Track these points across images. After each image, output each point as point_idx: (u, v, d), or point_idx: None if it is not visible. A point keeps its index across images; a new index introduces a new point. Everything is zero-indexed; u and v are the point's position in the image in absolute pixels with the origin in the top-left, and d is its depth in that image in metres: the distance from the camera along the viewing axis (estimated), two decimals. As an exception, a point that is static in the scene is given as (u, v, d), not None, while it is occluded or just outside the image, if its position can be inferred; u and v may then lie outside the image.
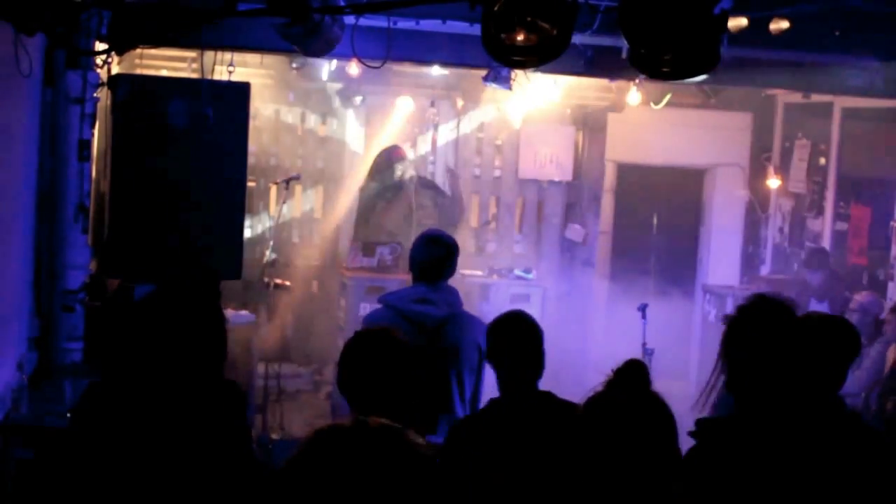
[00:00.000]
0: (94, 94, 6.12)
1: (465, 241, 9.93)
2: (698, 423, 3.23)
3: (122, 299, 6.04)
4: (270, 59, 8.63)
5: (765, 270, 10.49)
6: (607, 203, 10.75)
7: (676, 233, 10.90)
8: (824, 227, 9.60)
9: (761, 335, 3.14)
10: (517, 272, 9.31)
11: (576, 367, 8.09)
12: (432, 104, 9.91)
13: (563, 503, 2.59)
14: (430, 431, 4.51)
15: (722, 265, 10.81)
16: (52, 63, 5.76)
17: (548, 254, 10.40)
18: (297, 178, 8.65)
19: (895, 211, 8.57)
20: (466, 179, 10.36)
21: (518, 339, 3.82)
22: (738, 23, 5.82)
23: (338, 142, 10.18)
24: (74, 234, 5.98)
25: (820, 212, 9.69)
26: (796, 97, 9.95)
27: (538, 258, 10.22)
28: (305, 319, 9.54)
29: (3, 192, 5.19)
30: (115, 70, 6.64)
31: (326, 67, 8.64)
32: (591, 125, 10.37)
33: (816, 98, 9.50)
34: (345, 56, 6.32)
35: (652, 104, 9.19)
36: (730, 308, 8.37)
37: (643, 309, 7.55)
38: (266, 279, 8.16)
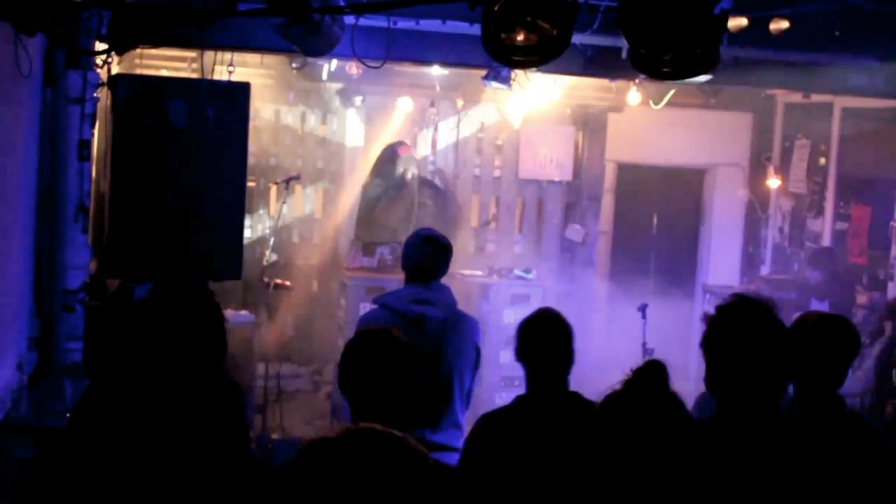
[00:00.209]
0: (94, 94, 6.12)
1: (465, 241, 9.93)
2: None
3: (122, 299, 6.04)
4: (270, 59, 8.63)
5: (765, 270, 10.49)
6: (607, 203, 10.75)
7: (676, 233, 10.90)
8: (824, 227, 9.60)
9: (740, 334, 3.14)
10: (517, 272, 9.30)
11: (576, 366, 8.08)
12: (432, 104, 9.91)
13: (578, 501, 2.59)
14: (431, 430, 4.52)
15: (722, 265, 10.81)
16: (52, 63, 5.76)
17: (548, 254, 10.40)
18: (297, 178, 8.65)
19: (895, 211, 8.57)
20: (466, 179, 10.35)
21: (550, 337, 3.78)
22: (738, 23, 5.82)
23: (338, 142, 10.18)
24: (74, 234, 5.98)
25: (820, 212, 9.69)
26: (796, 97, 9.95)
27: (538, 258, 10.22)
28: (305, 319, 9.54)
29: (3, 192, 5.19)
30: (115, 70, 6.64)
31: (326, 67, 8.64)
32: (591, 125, 10.37)
33: (816, 98, 9.50)
34: (345, 56, 6.32)
35: (652, 104, 9.19)
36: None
37: (643, 309, 7.55)
38: (266, 279, 8.16)
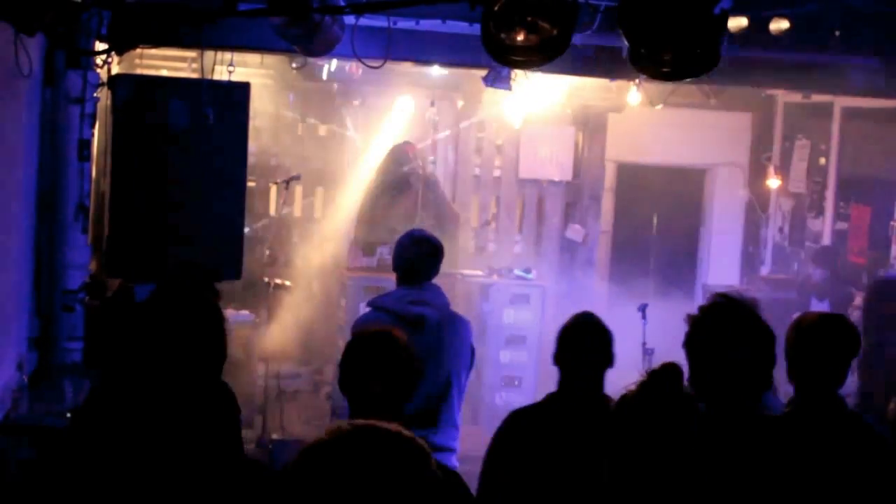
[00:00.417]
0: (94, 94, 6.12)
1: (465, 241, 9.93)
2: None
3: (122, 299, 6.04)
4: (270, 59, 8.63)
5: (765, 270, 10.49)
6: (607, 203, 10.75)
7: (676, 233, 10.90)
8: (824, 227, 9.60)
9: (723, 334, 3.14)
10: (517, 272, 9.30)
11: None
12: (432, 104, 9.90)
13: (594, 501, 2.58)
14: (430, 430, 4.52)
15: (722, 265, 10.81)
16: (52, 63, 5.76)
17: (548, 254, 10.40)
18: (297, 178, 8.65)
19: (895, 211, 8.57)
20: (466, 179, 10.35)
21: (586, 341, 3.72)
22: (738, 23, 5.82)
23: (338, 142, 10.17)
24: (74, 234, 5.98)
25: (820, 212, 9.69)
26: (796, 97, 9.95)
27: (538, 258, 10.21)
28: (305, 319, 9.53)
29: (3, 192, 5.19)
30: (115, 70, 6.64)
31: (326, 67, 8.64)
32: (591, 125, 10.37)
33: (816, 98, 9.50)
34: (345, 56, 6.33)
35: (652, 104, 9.19)
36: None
37: (643, 309, 7.55)
38: (266, 279, 8.16)
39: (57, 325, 5.87)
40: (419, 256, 4.77)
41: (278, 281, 8.27)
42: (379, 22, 5.68)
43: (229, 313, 7.84)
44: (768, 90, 9.91)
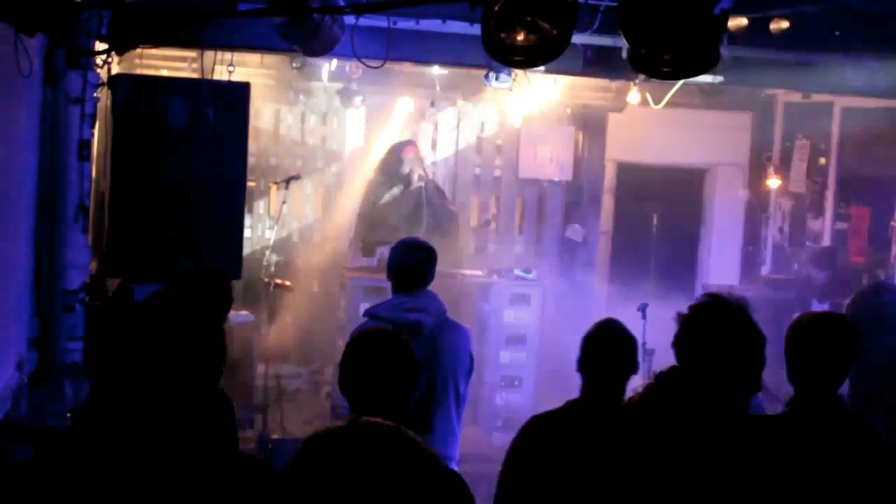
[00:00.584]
0: (94, 94, 6.12)
1: (465, 241, 9.93)
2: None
3: (122, 299, 6.04)
4: (270, 59, 8.62)
5: (765, 270, 10.49)
6: (607, 203, 10.75)
7: (676, 233, 10.90)
8: (824, 227, 9.60)
9: (710, 334, 3.13)
10: (517, 272, 9.30)
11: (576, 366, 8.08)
12: (432, 104, 9.90)
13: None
14: (429, 438, 4.51)
15: (722, 265, 10.81)
16: (52, 63, 5.76)
17: (548, 254, 10.40)
18: (297, 178, 8.65)
19: (895, 211, 8.57)
20: (466, 179, 10.35)
21: (609, 350, 3.69)
22: (738, 23, 5.82)
23: (338, 142, 10.17)
24: (74, 234, 5.98)
25: (820, 212, 9.69)
26: (796, 97, 9.95)
27: (538, 258, 10.22)
28: (305, 319, 9.54)
29: (3, 192, 5.19)
30: (115, 70, 6.65)
31: (326, 67, 8.64)
32: (591, 125, 10.37)
33: (816, 98, 9.50)
34: (345, 56, 6.33)
35: (652, 104, 9.19)
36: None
37: (643, 309, 7.54)
38: (266, 279, 8.16)
39: (57, 325, 5.87)
40: (413, 263, 4.76)
41: (278, 281, 8.27)
42: (379, 22, 5.68)
43: (229, 313, 7.84)
44: (768, 90, 9.91)
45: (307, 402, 9.32)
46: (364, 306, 8.52)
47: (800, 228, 10.04)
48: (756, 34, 6.01)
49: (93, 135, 6.31)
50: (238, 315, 7.95)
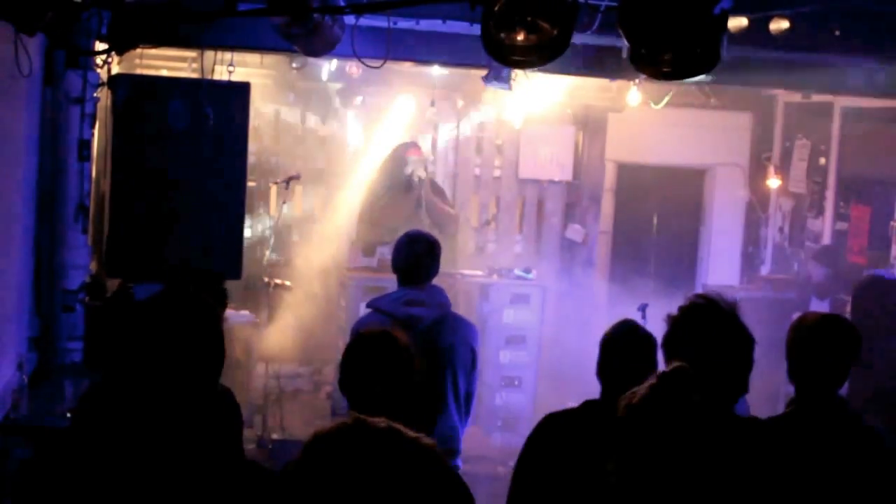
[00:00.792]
0: (94, 94, 6.12)
1: (465, 241, 9.93)
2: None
3: (122, 299, 6.04)
4: (270, 59, 8.62)
5: (765, 270, 10.49)
6: (607, 203, 10.75)
7: (676, 233, 10.90)
8: (824, 227, 9.60)
9: (699, 335, 3.13)
10: (517, 272, 9.30)
11: (576, 367, 8.08)
12: (432, 104, 9.90)
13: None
14: (427, 432, 4.50)
15: (722, 265, 10.81)
16: (52, 63, 5.76)
17: (548, 254, 10.40)
18: (297, 178, 8.65)
19: (895, 211, 8.57)
20: (466, 179, 10.36)
21: (633, 354, 3.65)
22: (738, 23, 5.82)
23: (338, 142, 10.17)
24: (74, 234, 5.98)
25: (820, 212, 9.69)
26: (796, 97, 9.95)
27: (538, 258, 10.22)
28: (305, 319, 9.54)
29: (3, 192, 5.19)
30: (115, 70, 6.64)
31: (326, 67, 8.64)
32: (591, 125, 10.37)
33: (816, 98, 9.50)
34: (345, 56, 6.32)
35: (652, 104, 9.19)
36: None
37: (643, 309, 7.53)
38: (266, 279, 8.16)
39: (57, 325, 5.87)
40: (416, 255, 4.77)
41: (278, 281, 8.27)
42: (379, 22, 5.68)
43: (229, 313, 7.84)
44: (768, 90, 9.90)
45: (307, 402, 9.32)
46: (364, 306, 8.57)
47: (800, 228, 10.04)
48: (756, 34, 6.01)
49: (93, 135, 6.31)
50: (238, 315, 7.96)
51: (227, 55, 6.84)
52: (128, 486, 3.16)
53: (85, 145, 5.97)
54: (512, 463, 3.63)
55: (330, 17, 5.29)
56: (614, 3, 4.71)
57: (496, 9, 4.22)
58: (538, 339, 8.96)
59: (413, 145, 9.61)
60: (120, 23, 5.79)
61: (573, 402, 3.70)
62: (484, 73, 7.27)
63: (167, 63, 8.44)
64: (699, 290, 10.52)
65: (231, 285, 7.36)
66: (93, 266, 6.35)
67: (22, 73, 4.87)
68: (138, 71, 7.90)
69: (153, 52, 7.50)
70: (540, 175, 10.35)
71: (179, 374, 3.26)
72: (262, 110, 9.61)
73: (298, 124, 10.03)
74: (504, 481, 3.54)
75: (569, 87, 9.03)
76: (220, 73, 6.57)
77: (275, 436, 7.76)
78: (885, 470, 3.29)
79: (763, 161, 10.56)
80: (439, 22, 6.24)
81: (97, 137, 6.59)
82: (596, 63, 7.00)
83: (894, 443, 3.44)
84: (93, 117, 6.17)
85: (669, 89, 8.92)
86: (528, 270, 9.36)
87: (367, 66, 5.65)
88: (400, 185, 9.44)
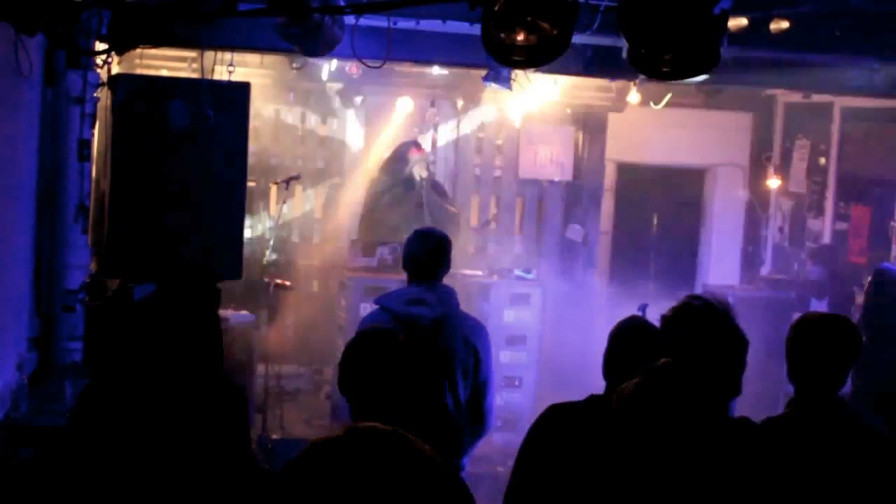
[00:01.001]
0: (94, 94, 6.12)
1: (465, 241, 9.92)
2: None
3: (122, 299, 6.04)
4: (270, 59, 8.62)
5: (765, 270, 10.49)
6: (607, 203, 10.75)
7: (676, 233, 10.90)
8: (824, 227, 9.61)
9: (692, 336, 3.12)
10: (517, 272, 9.30)
11: (576, 367, 8.09)
12: (432, 104, 9.90)
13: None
14: (426, 435, 4.47)
15: (722, 265, 10.81)
16: (52, 63, 5.75)
17: (548, 254, 10.40)
18: (297, 178, 8.65)
19: (895, 211, 8.57)
20: (466, 179, 10.36)
21: (639, 350, 3.61)
22: (738, 23, 5.82)
23: (338, 142, 10.17)
24: (74, 234, 5.97)
25: (820, 212, 9.69)
26: (796, 97, 9.95)
27: (538, 258, 10.22)
28: (305, 319, 9.54)
29: (3, 192, 5.19)
30: (115, 70, 6.64)
31: (326, 67, 8.64)
32: (591, 125, 10.37)
33: (816, 98, 9.50)
34: (345, 56, 6.32)
35: (652, 104, 9.19)
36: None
37: (643, 309, 7.52)
38: (266, 279, 8.16)
39: (57, 325, 5.87)
40: (424, 252, 4.76)
41: (279, 281, 8.27)
42: (379, 22, 5.68)
43: (229, 313, 7.85)
44: (768, 90, 9.91)
45: (307, 402, 9.32)
46: (364, 306, 8.57)
47: (800, 228, 10.05)
48: (756, 34, 6.01)
49: (93, 135, 6.31)
50: (238, 315, 7.95)
51: (227, 55, 6.84)
52: (128, 485, 3.16)
53: (85, 145, 5.96)
54: (511, 463, 3.62)
55: (330, 17, 5.29)
56: (614, 3, 4.71)
57: (496, 9, 4.22)
58: (538, 339, 8.96)
59: (415, 144, 9.61)
60: (120, 23, 5.79)
61: (574, 402, 3.70)
62: (484, 73, 7.27)
63: (167, 63, 8.43)
64: (699, 291, 10.53)
65: (231, 285, 7.39)
66: (93, 266, 6.35)
67: (22, 73, 4.88)
68: (138, 71, 7.90)
69: (153, 52, 7.50)
70: (540, 175, 10.35)
71: (178, 365, 3.26)
72: (262, 110, 9.61)
73: (298, 124, 10.03)
74: (504, 481, 3.53)
75: (569, 87, 9.02)
76: (220, 73, 6.57)
77: (275, 436, 7.76)
78: (885, 470, 3.29)
79: (763, 161, 10.56)
80: (439, 22, 6.24)
81: (97, 137, 6.59)
82: (596, 63, 7.00)
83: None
84: (93, 117, 6.17)
85: (669, 89, 8.92)
86: (528, 270, 9.35)
87: (367, 66, 5.65)
88: (401, 183, 9.44)
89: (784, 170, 10.24)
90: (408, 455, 1.58)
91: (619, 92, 9.13)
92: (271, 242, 8.45)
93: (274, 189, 9.12)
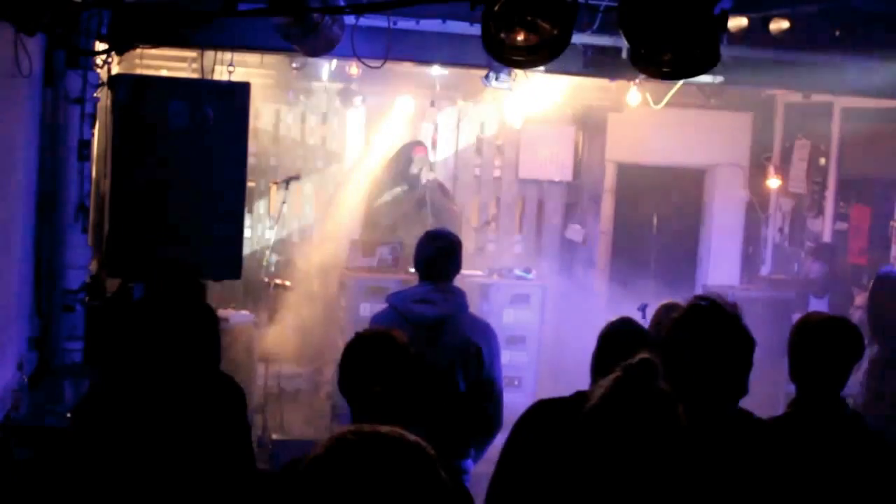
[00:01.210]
0: (94, 94, 6.12)
1: (465, 241, 9.91)
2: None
3: (122, 299, 6.04)
4: (270, 59, 8.62)
5: (765, 270, 10.49)
6: (607, 203, 10.75)
7: (676, 233, 10.90)
8: (824, 227, 9.60)
9: (700, 337, 3.12)
10: (517, 272, 9.30)
11: (576, 367, 8.08)
12: (432, 104, 9.90)
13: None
14: (427, 437, 4.46)
15: (722, 265, 10.81)
16: (52, 63, 5.75)
17: (548, 254, 10.40)
18: (297, 178, 8.65)
19: (895, 211, 8.57)
20: (466, 180, 10.35)
21: (629, 350, 3.62)
22: (738, 23, 5.82)
23: (338, 142, 10.17)
24: (74, 234, 5.97)
25: (820, 212, 9.69)
26: (796, 97, 9.95)
27: (538, 258, 10.22)
28: (305, 319, 9.54)
29: (3, 193, 5.19)
30: (115, 70, 6.64)
31: (326, 67, 8.64)
32: (591, 125, 10.37)
33: (816, 98, 9.50)
34: (345, 56, 6.32)
35: (652, 104, 9.19)
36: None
37: (643, 309, 7.52)
38: (266, 279, 8.16)
39: (57, 325, 5.87)
40: (435, 253, 4.76)
41: (278, 281, 8.27)
42: (379, 22, 5.68)
43: (229, 313, 7.85)
44: (768, 90, 9.90)
45: (307, 402, 9.32)
46: (364, 306, 8.57)
47: (800, 228, 10.04)
48: (756, 34, 6.01)
49: (93, 135, 6.31)
50: (238, 315, 7.95)
51: (227, 55, 6.84)
52: (129, 486, 3.16)
53: (85, 145, 5.96)
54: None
55: (330, 17, 5.29)
56: (614, 3, 4.71)
57: (496, 9, 4.22)
58: (538, 339, 8.96)
59: (419, 144, 9.62)
60: (120, 23, 5.79)
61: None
62: (484, 73, 7.27)
63: (167, 63, 8.44)
64: (699, 290, 10.52)
65: (231, 285, 7.39)
66: (93, 266, 6.35)
67: (22, 73, 4.87)
68: (138, 71, 7.90)
69: (153, 52, 7.50)
70: (540, 175, 10.35)
71: (176, 362, 3.26)
72: (262, 110, 9.62)
73: (298, 124, 10.03)
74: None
75: (569, 87, 9.02)
76: (220, 73, 6.57)
77: (275, 436, 7.75)
78: (885, 470, 3.29)
79: (763, 161, 10.56)
80: (439, 22, 6.24)
81: (97, 137, 6.59)
82: (596, 63, 6.99)
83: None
84: (93, 117, 6.17)
85: (669, 89, 8.92)
86: (528, 270, 9.35)
87: (367, 66, 5.65)
88: (403, 183, 9.44)
89: (784, 170, 10.24)
90: (409, 457, 1.58)
91: (619, 92, 9.13)
92: (271, 242, 8.44)
93: (274, 189, 9.13)
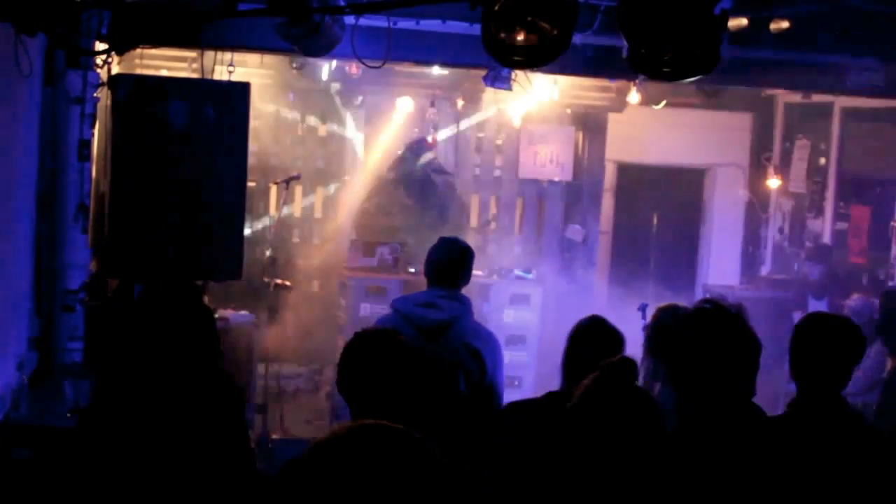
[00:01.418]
0: (94, 94, 6.12)
1: (465, 240, 9.91)
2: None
3: (122, 299, 6.04)
4: (270, 59, 8.62)
5: (765, 270, 10.49)
6: (607, 203, 10.75)
7: (676, 233, 10.90)
8: (824, 227, 9.61)
9: (707, 340, 3.13)
10: (517, 272, 9.30)
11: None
12: (432, 104, 9.90)
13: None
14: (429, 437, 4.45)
15: (722, 265, 10.81)
16: (52, 63, 5.75)
17: (548, 254, 10.39)
18: (297, 178, 8.64)
19: (895, 211, 8.58)
20: (466, 179, 10.35)
21: (598, 348, 3.63)
22: (738, 23, 5.82)
23: (338, 142, 10.17)
24: (74, 234, 5.97)
25: (820, 212, 9.69)
26: (796, 97, 9.95)
27: (538, 258, 10.22)
28: (305, 319, 9.54)
29: (3, 192, 5.19)
30: (115, 70, 6.64)
31: (326, 67, 8.64)
32: (591, 125, 10.37)
33: (816, 98, 9.50)
34: (345, 56, 6.32)
35: (652, 104, 9.19)
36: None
37: (643, 309, 7.53)
38: (266, 279, 8.15)
39: (57, 325, 5.87)
40: (445, 259, 4.75)
41: (278, 281, 8.27)
42: (379, 22, 5.68)
43: (229, 313, 7.85)
44: (768, 90, 9.91)
45: (307, 402, 9.32)
46: (364, 306, 8.58)
47: (800, 228, 10.05)
48: (756, 34, 6.01)
49: (93, 135, 6.31)
50: (238, 315, 7.95)
51: (227, 55, 6.84)
52: (129, 486, 3.16)
53: (85, 145, 5.96)
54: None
55: (330, 17, 5.29)
56: (614, 3, 4.71)
57: (496, 9, 4.22)
58: (538, 339, 8.96)
59: (424, 141, 9.63)
60: (120, 23, 5.78)
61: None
62: (484, 73, 7.27)
63: (167, 63, 8.43)
64: (699, 290, 10.54)
65: (231, 285, 7.38)
66: (93, 266, 6.35)
67: (22, 73, 4.87)
68: (138, 71, 7.89)
69: (153, 52, 7.50)
70: (540, 175, 10.34)
71: (176, 361, 3.26)
72: (262, 110, 9.61)
73: (298, 124, 10.03)
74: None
75: (569, 87, 9.03)
76: (220, 73, 6.57)
77: (275, 436, 7.76)
78: (886, 470, 3.29)
79: (763, 161, 10.56)
80: (439, 22, 6.25)
81: (97, 137, 6.59)
82: (596, 63, 7.00)
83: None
84: (93, 117, 6.17)
85: (669, 89, 8.92)
86: (528, 270, 9.35)
87: (367, 66, 5.65)
88: (407, 182, 9.44)
89: (784, 170, 10.24)
90: (416, 453, 1.58)
91: (619, 92, 9.13)
92: (271, 242, 8.44)
93: (274, 189, 9.12)
